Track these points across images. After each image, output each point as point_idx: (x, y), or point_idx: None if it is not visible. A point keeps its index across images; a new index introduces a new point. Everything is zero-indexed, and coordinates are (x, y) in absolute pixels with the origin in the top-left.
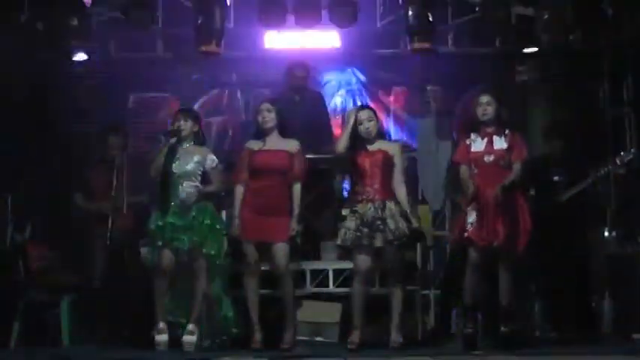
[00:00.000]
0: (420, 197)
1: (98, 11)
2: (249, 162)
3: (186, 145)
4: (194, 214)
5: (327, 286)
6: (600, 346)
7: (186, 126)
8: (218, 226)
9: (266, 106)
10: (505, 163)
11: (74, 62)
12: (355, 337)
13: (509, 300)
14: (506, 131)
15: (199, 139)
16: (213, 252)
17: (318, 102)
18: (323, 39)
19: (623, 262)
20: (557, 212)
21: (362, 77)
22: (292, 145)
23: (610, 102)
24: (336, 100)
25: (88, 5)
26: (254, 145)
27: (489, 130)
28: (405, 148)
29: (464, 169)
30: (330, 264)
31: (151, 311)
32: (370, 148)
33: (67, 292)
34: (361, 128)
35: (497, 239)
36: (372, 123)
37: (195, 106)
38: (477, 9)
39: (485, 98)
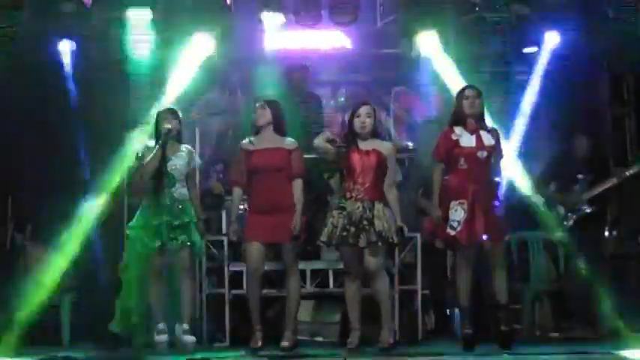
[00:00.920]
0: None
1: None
2: (247, 162)
3: (172, 144)
4: (187, 214)
5: (327, 286)
6: (601, 345)
7: (174, 124)
8: (200, 226)
9: (260, 103)
10: (494, 158)
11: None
12: (355, 337)
13: (507, 298)
14: (489, 128)
15: (181, 138)
16: (198, 251)
17: (316, 104)
18: (323, 39)
19: (623, 261)
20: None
21: (362, 77)
22: (289, 142)
23: (610, 102)
24: (337, 100)
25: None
26: (249, 144)
27: (475, 124)
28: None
29: (437, 168)
30: (330, 264)
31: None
32: (363, 146)
33: (68, 292)
34: (357, 122)
35: (493, 236)
36: (369, 120)
37: (196, 106)
38: (477, 9)
39: (471, 92)
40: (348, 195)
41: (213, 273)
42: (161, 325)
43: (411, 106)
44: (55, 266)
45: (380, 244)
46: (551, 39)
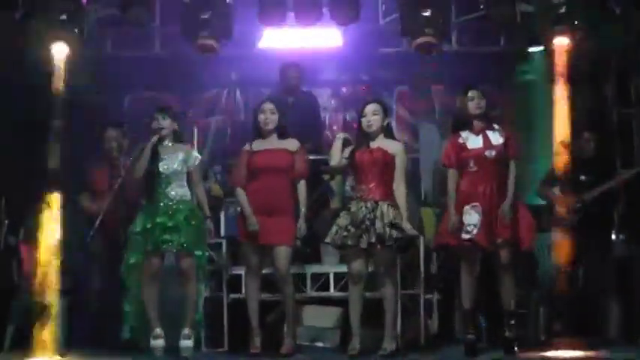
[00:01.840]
0: (423, 199)
1: (94, 8)
2: (249, 162)
3: (167, 143)
4: (183, 215)
5: (328, 290)
6: (607, 350)
7: (165, 124)
8: (206, 225)
9: (269, 106)
10: (505, 157)
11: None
12: (356, 342)
13: (513, 304)
14: (496, 126)
15: (178, 137)
16: (200, 253)
17: (312, 103)
18: (324, 37)
19: (630, 265)
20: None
21: (364, 77)
22: (292, 143)
23: (617, 102)
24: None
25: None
26: (252, 145)
27: (481, 125)
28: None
29: (452, 174)
30: (331, 267)
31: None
32: (371, 144)
33: (63, 295)
34: (363, 121)
35: (504, 235)
36: (376, 117)
37: (194, 106)
38: (481, 7)
39: (475, 93)
40: (354, 196)
41: (212, 276)
42: (158, 330)
43: (415, 107)
44: (45, 268)
45: (379, 246)
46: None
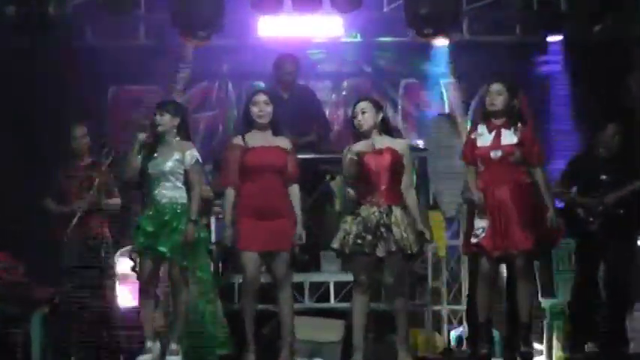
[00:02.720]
0: (431, 202)
1: None
2: (242, 160)
3: (168, 140)
4: (167, 219)
5: (328, 300)
6: None
7: (162, 120)
8: (202, 235)
9: (263, 97)
10: (516, 159)
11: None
12: (358, 357)
13: (529, 316)
14: (518, 124)
15: (182, 134)
16: (197, 263)
17: (309, 96)
18: (323, 26)
19: None
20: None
21: (366, 69)
22: (285, 142)
23: None
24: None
25: None
26: (244, 140)
27: (498, 122)
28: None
29: (470, 171)
30: (331, 276)
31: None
32: (376, 144)
33: (39, 306)
34: (355, 122)
35: (514, 246)
36: (366, 116)
37: (182, 100)
38: None
39: (495, 87)
40: (362, 200)
41: None
42: (148, 344)
43: (422, 101)
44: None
45: (400, 254)
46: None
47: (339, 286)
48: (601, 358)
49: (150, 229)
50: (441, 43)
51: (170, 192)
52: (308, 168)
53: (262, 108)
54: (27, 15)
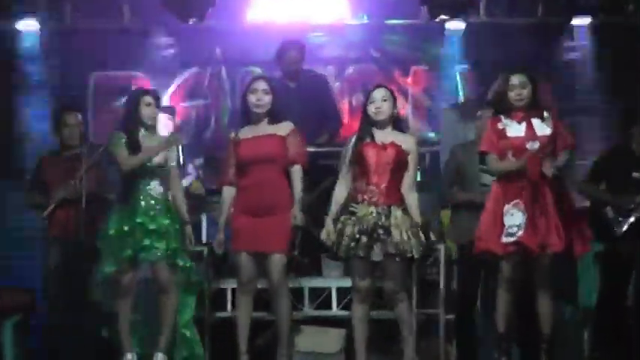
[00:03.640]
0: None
1: None
2: (235, 154)
3: (150, 133)
4: (168, 217)
5: (330, 308)
6: None
7: (153, 113)
8: (187, 231)
9: (262, 85)
10: (550, 151)
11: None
12: None
13: (551, 327)
14: (545, 114)
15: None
16: (188, 264)
17: (319, 85)
18: (326, 7)
19: None
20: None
21: (374, 53)
22: (283, 127)
23: None
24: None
25: None
26: (239, 134)
27: (525, 113)
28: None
29: (493, 160)
30: (333, 281)
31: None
32: (380, 138)
33: (12, 313)
34: (371, 108)
35: (556, 248)
36: (386, 104)
37: (171, 88)
38: None
39: (518, 79)
40: (359, 197)
41: None
42: (129, 356)
43: (434, 89)
44: None
45: (398, 258)
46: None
47: (342, 292)
48: None
49: (152, 226)
50: (456, 25)
51: (162, 188)
52: (306, 153)
53: (261, 96)
54: None
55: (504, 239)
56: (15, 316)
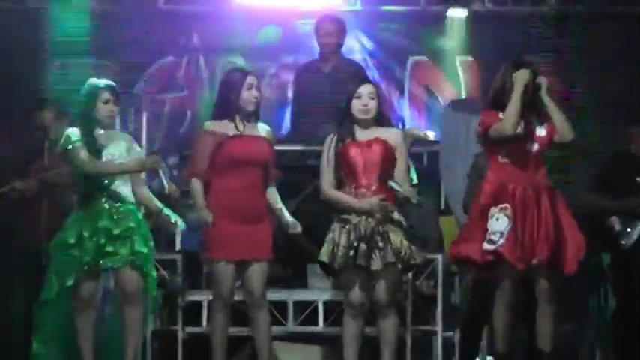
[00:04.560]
0: (442, 206)
1: None
2: (222, 151)
3: (109, 130)
4: (133, 221)
5: (316, 323)
6: None
7: (116, 109)
8: (151, 242)
9: (255, 80)
10: (547, 153)
11: None
12: None
13: (553, 345)
14: (542, 115)
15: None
16: (153, 273)
17: (357, 75)
18: None
19: None
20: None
21: (368, 44)
22: (267, 131)
23: None
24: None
25: None
26: (222, 127)
27: (526, 111)
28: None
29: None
30: (320, 294)
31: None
32: (363, 136)
33: None
34: (356, 104)
35: (541, 256)
36: (374, 102)
37: (144, 79)
38: None
39: (523, 74)
40: (351, 207)
41: (163, 304)
42: None
43: (434, 83)
44: None
45: (399, 265)
46: None
47: (330, 306)
48: None
49: (116, 230)
50: (458, 13)
51: (126, 189)
52: (292, 163)
53: (255, 94)
54: None
55: (485, 245)
56: None
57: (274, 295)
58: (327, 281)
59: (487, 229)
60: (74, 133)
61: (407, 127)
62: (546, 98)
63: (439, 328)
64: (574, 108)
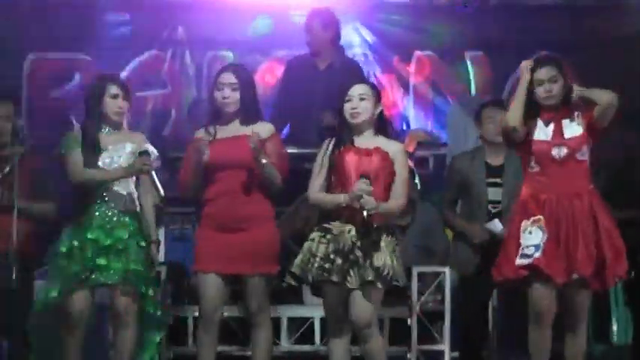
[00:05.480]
0: None
1: None
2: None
3: (115, 130)
4: (128, 231)
5: (312, 342)
6: None
7: (125, 105)
8: (152, 252)
9: (229, 78)
10: (583, 154)
11: None
12: None
13: None
14: (576, 112)
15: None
16: (152, 292)
17: (354, 75)
18: None
19: None
20: None
21: (369, 37)
22: (262, 127)
23: None
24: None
25: None
26: (206, 135)
27: (554, 112)
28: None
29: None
30: (316, 310)
31: None
32: (363, 143)
33: None
34: (347, 108)
35: (585, 271)
36: (364, 104)
37: (124, 74)
38: None
39: (547, 72)
40: (336, 212)
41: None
42: None
43: (440, 80)
44: None
45: (379, 285)
46: None
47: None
48: None
49: (107, 242)
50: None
51: (122, 190)
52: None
53: (227, 93)
54: None
55: (518, 261)
56: None
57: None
58: None
59: (520, 244)
60: (72, 135)
61: (411, 127)
62: (579, 90)
63: (447, 347)
64: None
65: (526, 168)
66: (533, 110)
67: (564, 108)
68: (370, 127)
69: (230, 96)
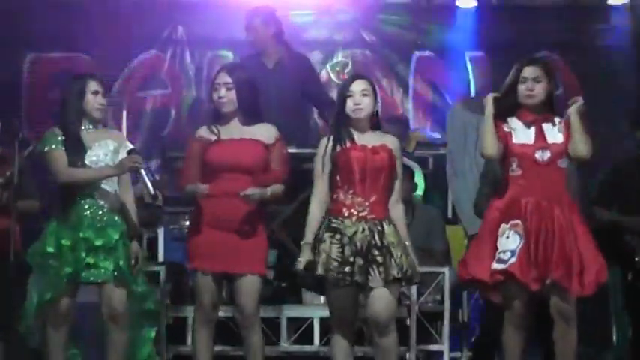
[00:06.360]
0: (449, 214)
1: None
2: (204, 157)
3: (95, 128)
4: (118, 231)
5: (311, 342)
6: None
7: (105, 101)
8: (135, 248)
9: (224, 78)
10: (563, 163)
11: None
12: None
13: None
14: (557, 119)
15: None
16: (143, 289)
17: (304, 68)
18: None
19: None
20: None
21: (369, 37)
22: (267, 131)
23: None
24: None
25: None
26: (208, 133)
27: (536, 115)
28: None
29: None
30: (315, 310)
31: None
32: (367, 140)
33: None
34: (348, 103)
35: (555, 275)
36: (367, 100)
37: (124, 74)
38: None
39: (531, 71)
40: (345, 211)
41: None
42: None
43: (440, 80)
44: None
45: (404, 283)
46: None
47: (327, 323)
48: None
49: (98, 241)
50: (467, 3)
51: (110, 190)
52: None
53: (222, 93)
54: None
55: (494, 265)
56: None
57: (266, 311)
58: (324, 297)
59: (497, 248)
60: (55, 133)
61: (411, 128)
62: (574, 117)
63: (446, 347)
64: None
65: (507, 172)
66: (512, 109)
67: (546, 113)
68: (368, 124)
69: (225, 95)
